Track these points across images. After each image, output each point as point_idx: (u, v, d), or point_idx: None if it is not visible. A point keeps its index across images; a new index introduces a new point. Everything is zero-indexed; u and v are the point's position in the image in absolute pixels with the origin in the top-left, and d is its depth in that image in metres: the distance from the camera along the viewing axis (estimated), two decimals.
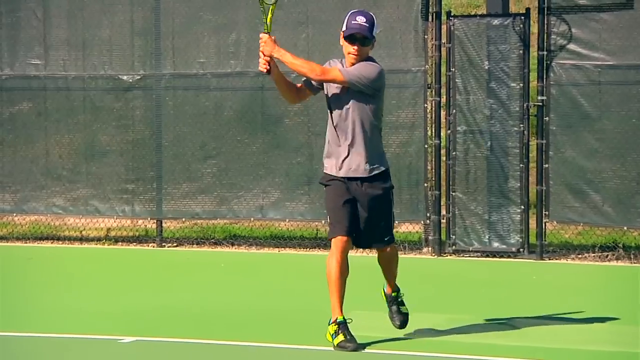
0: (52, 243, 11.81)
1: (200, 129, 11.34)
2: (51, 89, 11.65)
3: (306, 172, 11.06)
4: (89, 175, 11.67)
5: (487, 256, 10.48)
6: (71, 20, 11.56)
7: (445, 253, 10.63)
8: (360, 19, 6.32)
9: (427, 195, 10.67)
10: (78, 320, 7.30)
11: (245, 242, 11.44)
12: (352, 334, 6.23)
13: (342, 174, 6.31)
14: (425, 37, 10.56)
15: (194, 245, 11.51)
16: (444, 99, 10.70)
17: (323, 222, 11.19)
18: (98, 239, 11.82)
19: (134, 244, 11.76)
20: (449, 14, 10.62)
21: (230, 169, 11.25)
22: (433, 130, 10.65)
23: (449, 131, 10.57)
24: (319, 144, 11.00)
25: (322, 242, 11.20)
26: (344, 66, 6.34)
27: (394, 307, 6.68)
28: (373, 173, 6.33)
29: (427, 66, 10.59)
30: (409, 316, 6.69)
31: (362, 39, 6.30)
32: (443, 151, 10.71)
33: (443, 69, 10.61)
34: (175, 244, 11.62)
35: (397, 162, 10.69)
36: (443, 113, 10.73)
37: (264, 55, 6.38)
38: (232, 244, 11.40)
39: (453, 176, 10.56)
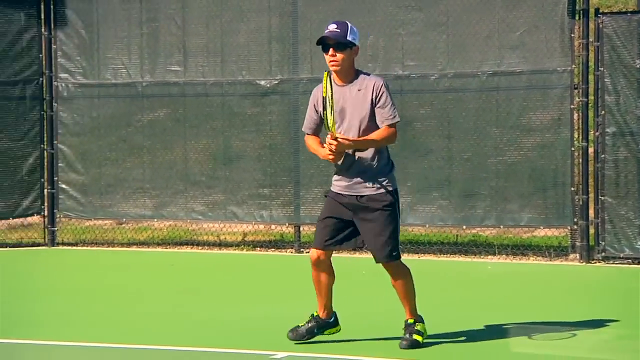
0: (191, 248, 11.78)
1: None
2: (190, 95, 11.61)
3: (445, 175, 10.72)
4: (227, 180, 11.59)
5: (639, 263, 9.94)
6: (210, 27, 11.48)
7: (593, 260, 10.10)
8: (331, 26, 6.22)
9: (573, 200, 10.19)
10: (226, 332, 7.06)
11: None
12: (305, 328, 6.48)
13: None
14: (572, 35, 10.06)
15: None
16: (591, 100, 10.21)
17: (464, 227, 10.86)
18: (236, 245, 11.73)
19: (272, 249, 11.62)
20: (597, 11, 10.07)
21: None
22: (580, 133, 10.16)
23: (597, 133, 10.04)
24: (455, 148, 10.67)
25: (463, 248, 10.86)
26: (330, 81, 6.10)
27: (407, 335, 6.41)
28: None
29: (573, 66, 10.09)
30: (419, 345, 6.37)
31: (335, 44, 6.14)
32: (591, 153, 10.21)
33: (591, 68, 10.13)
34: None
35: (542, 165, 10.27)
36: (590, 114, 10.23)
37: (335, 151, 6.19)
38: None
39: (602, 180, 10.01)
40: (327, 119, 6.10)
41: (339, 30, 6.17)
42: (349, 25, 6.25)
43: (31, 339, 6.85)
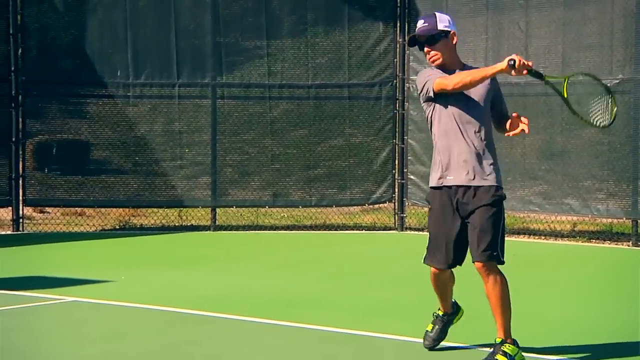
0: (528, 237, 11.25)
1: None
2: (530, 94, 10.89)
3: None
4: (563, 174, 10.96)
5: None
6: (552, 29, 10.88)
7: None
8: (419, 23, 5.41)
9: None
10: (588, 337, 6.44)
11: None
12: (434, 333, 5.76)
13: None
14: None
15: None
16: None
17: None
18: (568, 235, 11.08)
19: (608, 241, 10.86)
20: None
21: None
22: None
23: None
24: None
25: None
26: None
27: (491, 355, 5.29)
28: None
29: None
30: None
31: (427, 39, 5.34)
32: None
33: None
34: None
35: None
36: None
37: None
38: None
39: None
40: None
41: (427, 24, 5.38)
42: (437, 14, 5.43)
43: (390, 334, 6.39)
